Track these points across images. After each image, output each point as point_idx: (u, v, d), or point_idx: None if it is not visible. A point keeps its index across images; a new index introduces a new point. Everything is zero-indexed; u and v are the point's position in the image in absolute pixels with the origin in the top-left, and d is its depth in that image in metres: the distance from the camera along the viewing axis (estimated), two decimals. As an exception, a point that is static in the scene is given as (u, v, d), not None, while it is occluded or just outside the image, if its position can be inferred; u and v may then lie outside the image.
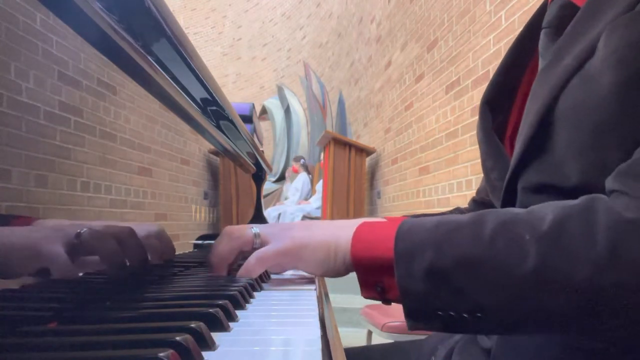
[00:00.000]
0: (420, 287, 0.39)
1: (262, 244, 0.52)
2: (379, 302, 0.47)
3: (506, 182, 0.50)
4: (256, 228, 0.53)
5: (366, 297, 0.46)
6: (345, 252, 0.46)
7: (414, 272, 0.40)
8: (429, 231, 0.41)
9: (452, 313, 0.39)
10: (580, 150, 0.42)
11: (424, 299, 0.40)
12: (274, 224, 0.56)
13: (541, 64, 0.53)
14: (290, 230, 0.51)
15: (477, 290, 0.38)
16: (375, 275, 0.44)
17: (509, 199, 0.51)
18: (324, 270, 0.49)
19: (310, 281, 0.57)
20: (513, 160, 0.49)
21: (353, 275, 0.48)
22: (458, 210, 0.75)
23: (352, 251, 0.46)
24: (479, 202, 0.74)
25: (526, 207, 0.48)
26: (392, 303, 0.46)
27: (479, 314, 0.38)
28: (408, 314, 0.41)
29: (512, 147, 0.59)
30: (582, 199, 0.38)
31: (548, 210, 0.38)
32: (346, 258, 0.47)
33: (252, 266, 0.50)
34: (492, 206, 0.61)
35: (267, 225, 0.55)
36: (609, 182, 0.38)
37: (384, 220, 0.49)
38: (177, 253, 0.72)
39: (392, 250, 0.41)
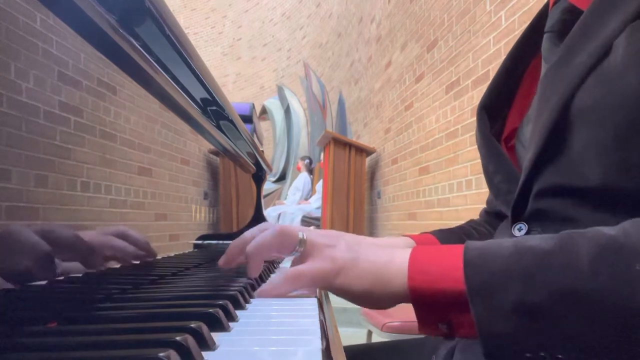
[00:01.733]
0: (505, 326, 0.35)
1: (303, 254, 0.46)
2: None
3: (520, 186, 0.49)
4: (305, 233, 0.47)
5: (426, 334, 0.41)
6: (399, 283, 0.40)
7: (496, 310, 0.35)
8: (508, 260, 0.36)
9: (543, 354, 0.34)
10: (601, 149, 0.40)
11: (511, 339, 0.35)
12: (324, 233, 0.48)
13: (544, 67, 0.53)
14: (333, 249, 0.45)
15: (577, 329, 0.33)
16: (440, 311, 0.39)
17: (521, 203, 0.49)
18: (367, 300, 0.43)
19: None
20: (527, 163, 0.47)
21: None
22: (473, 223, 0.74)
23: (410, 283, 0.40)
24: (492, 213, 0.74)
25: (541, 211, 0.47)
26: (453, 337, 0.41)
27: (576, 355, 0.34)
28: (490, 356, 0.36)
29: (508, 149, 0.59)
30: None
31: None
32: (399, 289, 0.41)
33: (281, 286, 0.44)
34: (504, 216, 0.60)
35: (317, 231, 0.48)
36: None
37: (435, 244, 0.44)
38: (177, 253, 0.72)
39: (462, 283, 0.36)
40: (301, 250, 0.46)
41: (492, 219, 0.73)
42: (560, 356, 0.34)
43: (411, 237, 0.65)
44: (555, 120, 0.43)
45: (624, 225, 0.36)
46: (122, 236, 0.53)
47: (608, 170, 0.40)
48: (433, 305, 0.39)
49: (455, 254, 0.39)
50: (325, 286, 0.44)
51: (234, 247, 0.51)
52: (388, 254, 0.43)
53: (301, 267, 0.44)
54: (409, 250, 0.42)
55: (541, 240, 0.37)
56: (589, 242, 0.35)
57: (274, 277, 0.45)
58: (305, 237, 0.46)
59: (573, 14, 0.48)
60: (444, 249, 0.41)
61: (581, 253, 0.35)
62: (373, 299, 0.42)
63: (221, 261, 0.53)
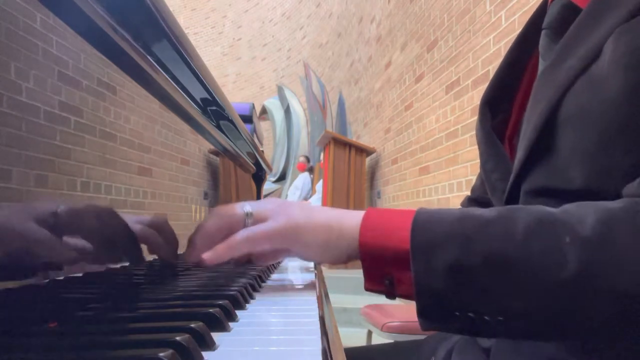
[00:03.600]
0: (439, 284, 0.37)
1: (255, 224, 0.46)
2: (379, 296, 0.44)
3: (509, 185, 0.49)
4: (248, 206, 0.47)
5: (370, 290, 0.43)
6: (351, 237, 0.43)
7: (433, 268, 0.37)
8: (452, 224, 0.38)
9: (471, 314, 0.36)
10: (585, 153, 0.41)
11: (443, 297, 0.37)
12: (269, 200, 0.49)
13: (541, 64, 0.53)
14: (287, 208, 0.46)
15: (505, 292, 0.35)
16: (385, 266, 0.41)
17: (512, 202, 0.50)
18: (322, 255, 0.45)
19: (310, 282, 0.57)
20: (516, 164, 0.48)
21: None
22: None
23: (361, 238, 0.42)
24: (475, 201, 0.74)
25: None
26: (397, 298, 0.43)
27: (502, 317, 0.36)
28: (422, 312, 0.38)
29: (511, 147, 0.59)
30: (623, 202, 0.36)
31: (589, 211, 0.36)
32: (351, 244, 0.43)
33: (236, 243, 0.45)
34: (489, 205, 0.61)
35: (261, 201, 0.49)
36: (636, 187, 0.37)
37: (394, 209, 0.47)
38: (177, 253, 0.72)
39: (408, 242, 0.38)
40: (251, 222, 0.47)
41: (475, 206, 0.73)
42: (486, 317, 0.36)
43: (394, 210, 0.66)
44: (543, 124, 0.44)
45: (567, 205, 0.38)
46: (158, 227, 0.53)
47: (591, 173, 0.41)
48: (379, 261, 0.41)
49: (406, 215, 0.41)
50: (283, 243, 0.45)
51: (190, 241, 0.49)
52: (341, 212, 0.45)
53: (256, 226, 0.45)
54: (363, 211, 0.44)
55: (488, 210, 0.39)
56: (528, 215, 0.37)
57: (230, 238, 0.45)
58: (250, 210, 0.47)
59: (571, 11, 0.48)
60: (398, 211, 0.43)
61: (518, 223, 0.36)
62: (328, 253, 0.45)
63: (195, 258, 0.50)
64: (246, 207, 0.47)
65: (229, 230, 0.47)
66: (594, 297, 0.34)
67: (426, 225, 0.39)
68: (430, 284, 0.37)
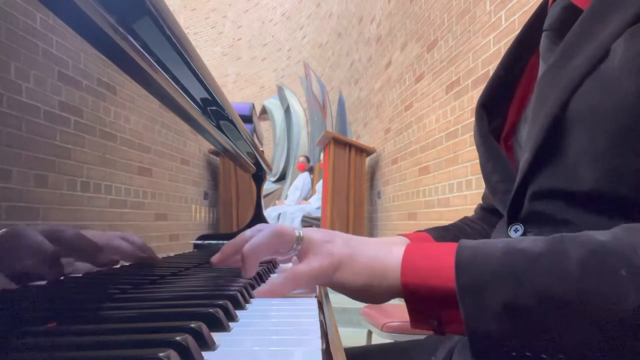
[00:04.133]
0: (492, 325, 0.35)
1: (301, 252, 0.47)
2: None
3: (516, 187, 0.49)
4: (302, 231, 0.47)
5: (416, 329, 0.42)
6: (393, 278, 0.41)
7: (485, 309, 0.35)
8: (499, 261, 0.37)
9: (528, 354, 0.35)
10: (596, 154, 0.41)
11: (498, 339, 0.35)
12: (318, 230, 0.49)
13: (542, 66, 0.53)
14: (330, 245, 0.46)
15: (563, 331, 0.34)
16: (431, 307, 0.40)
17: (517, 205, 0.49)
18: (363, 294, 0.44)
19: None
20: (522, 165, 0.47)
21: None
22: (467, 220, 0.74)
23: (403, 278, 0.40)
24: (487, 209, 0.74)
25: (537, 213, 0.47)
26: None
27: (561, 356, 0.34)
28: (476, 354, 0.37)
29: (507, 148, 0.59)
30: None
31: (638, 237, 0.34)
32: (393, 284, 0.41)
33: (280, 287, 0.45)
34: (499, 212, 0.60)
35: (311, 230, 0.49)
36: None
37: (430, 242, 0.45)
38: (177, 253, 0.72)
39: (453, 281, 0.37)
40: (299, 248, 0.47)
41: (487, 215, 0.73)
42: (544, 356, 0.35)
43: (406, 235, 0.66)
44: (551, 124, 0.43)
45: (615, 231, 0.36)
46: (124, 239, 0.53)
47: (602, 174, 0.40)
48: (424, 302, 0.40)
49: (448, 252, 0.40)
50: (324, 282, 0.45)
51: (230, 246, 0.52)
52: (384, 250, 0.44)
53: (300, 267, 0.45)
54: (404, 247, 0.43)
55: (532, 242, 0.38)
56: (579, 247, 0.36)
57: (273, 278, 0.46)
58: (302, 235, 0.47)
59: (572, 12, 0.48)
60: (437, 246, 0.42)
61: (570, 257, 0.35)
62: (369, 293, 0.43)
63: (215, 258, 0.53)
64: (299, 231, 0.48)
65: (275, 250, 0.48)
66: None
67: (471, 263, 0.38)
68: (484, 326, 0.36)
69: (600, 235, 0.36)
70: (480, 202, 0.76)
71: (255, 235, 0.49)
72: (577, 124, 0.42)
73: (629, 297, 0.32)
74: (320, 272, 0.44)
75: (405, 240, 0.64)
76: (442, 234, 0.68)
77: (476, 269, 0.37)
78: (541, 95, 0.47)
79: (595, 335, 0.33)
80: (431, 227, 0.70)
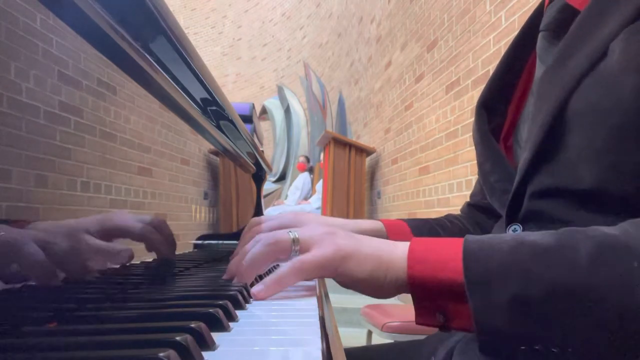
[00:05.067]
0: (501, 319, 0.35)
1: (301, 251, 0.46)
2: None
3: (515, 187, 0.49)
4: (295, 232, 0.46)
5: (421, 324, 0.41)
6: (399, 270, 0.41)
7: (493, 302, 0.35)
8: (508, 254, 0.36)
9: (537, 348, 0.35)
10: (595, 152, 0.41)
11: (507, 332, 0.35)
12: (313, 226, 0.48)
13: (539, 66, 0.53)
14: (333, 236, 0.45)
15: (573, 324, 0.34)
16: (437, 300, 0.39)
17: (516, 204, 0.50)
18: (369, 286, 0.43)
19: (310, 283, 0.57)
20: (522, 164, 0.47)
21: None
22: (450, 216, 0.74)
23: (409, 271, 0.40)
24: (475, 206, 0.74)
25: (536, 212, 0.47)
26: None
27: (571, 349, 0.34)
28: (484, 349, 0.37)
29: (506, 148, 0.59)
30: None
31: None
32: (399, 277, 0.41)
33: (286, 277, 0.43)
34: (489, 210, 0.60)
35: (305, 227, 0.48)
36: None
37: (407, 232, 0.45)
38: (177, 253, 0.72)
39: (461, 273, 0.37)
40: (297, 249, 0.46)
41: (473, 212, 0.73)
42: (554, 350, 0.34)
43: (383, 221, 0.66)
44: (551, 123, 0.44)
45: (624, 225, 0.36)
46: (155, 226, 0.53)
47: (601, 173, 0.40)
48: (430, 295, 0.39)
49: (454, 245, 0.39)
50: (330, 273, 0.44)
51: (234, 264, 0.50)
52: (388, 243, 0.44)
53: (305, 256, 0.44)
54: (409, 242, 0.43)
55: (541, 236, 0.38)
56: (589, 240, 0.35)
57: (280, 272, 0.44)
58: (297, 236, 0.46)
59: (569, 13, 0.48)
60: (444, 240, 0.41)
61: (580, 250, 0.35)
62: (375, 284, 0.43)
63: (225, 277, 0.52)
64: (293, 233, 0.46)
65: (276, 258, 0.47)
66: None
67: (479, 255, 0.37)
68: (492, 319, 0.35)
69: (610, 230, 0.36)
70: (469, 200, 0.76)
71: (251, 250, 0.47)
72: (577, 123, 0.42)
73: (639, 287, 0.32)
74: (326, 262, 0.43)
75: (379, 224, 0.65)
76: (420, 224, 0.68)
77: (484, 261, 0.37)
78: (541, 95, 0.47)
79: (606, 328, 0.33)
80: (410, 218, 0.70)
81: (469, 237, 0.39)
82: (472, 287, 0.36)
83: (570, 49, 0.44)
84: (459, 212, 0.77)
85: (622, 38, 0.39)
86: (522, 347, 0.35)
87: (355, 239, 0.45)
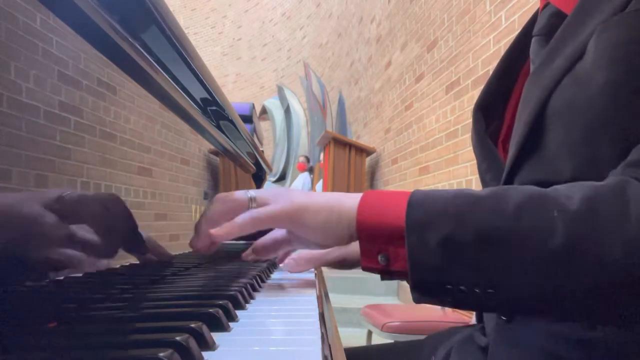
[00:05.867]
0: (432, 258, 0.38)
1: (258, 207, 0.49)
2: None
3: (502, 181, 0.51)
4: (252, 192, 0.50)
5: (365, 268, 0.44)
6: (350, 217, 0.44)
7: (427, 243, 0.38)
8: (446, 201, 0.39)
9: (462, 288, 0.37)
10: (572, 147, 0.43)
11: (435, 271, 0.38)
12: (271, 188, 0.52)
13: (532, 69, 0.54)
14: (289, 192, 0.49)
15: (495, 266, 0.37)
16: (381, 243, 0.42)
17: None
18: (324, 235, 0.46)
19: (310, 282, 0.57)
20: (509, 160, 0.49)
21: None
22: None
23: (358, 216, 0.43)
24: None
25: None
26: (394, 277, 0.43)
27: (492, 290, 0.37)
28: (415, 286, 0.39)
29: (505, 150, 0.60)
30: (610, 180, 0.38)
31: (575, 188, 0.37)
32: (351, 223, 0.44)
33: (242, 221, 0.47)
34: None
35: (263, 189, 0.52)
36: (620, 172, 0.38)
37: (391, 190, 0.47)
38: (177, 253, 0.72)
39: (403, 219, 0.39)
40: (254, 206, 0.49)
41: None
42: (477, 290, 0.37)
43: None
44: (533, 120, 0.46)
45: (558, 186, 0.39)
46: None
47: (579, 166, 0.42)
48: (375, 237, 0.42)
49: (403, 195, 0.42)
50: (284, 224, 0.48)
51: (196, 224, 0.51)
52: (341, 194, 0.47)
53: (261, 208, 0.47)
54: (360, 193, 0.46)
55: (481, 190, 0.41)
56: (519, 192, 0.39)
57: (237, 218, 0.47)
58: (254, 195, 0.49)
59: (559, 18, 0.50)
60: (395, 192, 0.44)
61: (509, 199, 0.38)
62: (328, 232, 0.46)
63: (191, 244, 0.52)
64: (250, 192, 0.49)
65: (234, 215, 0.49)
66: (580, 267, 0.35)
67: (421, 203, 0.40)
68: (423, 258, 0.38)
69: (541, 188, 0.39)
70: None
71: (206, 211, 0.50)
72: (555, 120, 0.44)
73: (558, 235, 0.35)
74: (281, 214, 0.46)
75: None
76: None
77: (425, 207, 0.40)
78: (525, 97, 0.49)
79: (525, 270, 0.36)
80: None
81: (417, 190, 0.42)
82: (410, 230, 0.39)
83: (554, 52, 0.46)
84: None
85: (595, 36, 0.41)
86: (448, 287, 0.38)
87: (309, 194, 0.48)
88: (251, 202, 0.49)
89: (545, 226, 0.36)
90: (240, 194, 0.49)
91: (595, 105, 0.40)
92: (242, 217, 0.47)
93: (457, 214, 0.38)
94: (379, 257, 0.42)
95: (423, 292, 0.40)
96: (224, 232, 0.47)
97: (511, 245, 0.36)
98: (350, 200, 0.45)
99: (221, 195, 0.50)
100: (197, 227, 0.50)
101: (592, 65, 0.41)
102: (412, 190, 0.42)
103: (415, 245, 0.39)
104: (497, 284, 0.37)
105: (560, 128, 0.44)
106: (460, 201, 0.39)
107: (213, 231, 0.47)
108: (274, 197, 0.48)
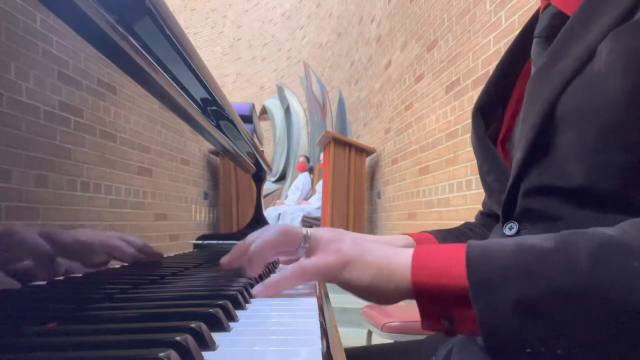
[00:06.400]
0: (506, 321, 0.35)
1: (309, 250, 0.48)
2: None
3: (509, 186, 0.50)
4: (309, 230, 0.49)
5: (427, 329, 0.41)
6: (401, 277, 0.41)
7: (498, 305, 0.35)
8: (510, 257, 0.37)
9: (543, 350, 0.35)
10: (584, 151, 0.42)
11: (512, 334, 0.35)
12: (327, 230, 0.49)
13: (534, 71, 0.54)
14: (339, 243, 0.46)
15: (576, 325, 0.34)
16: (442, 306, 0.39)
17: (511, 202, 0.50)
18: (372, 293, 0.44)
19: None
20: (515, 163, 0.48)
21: None
22: (469, 224, 0.75)
23: (414, 278, 0.40)
24: (487, 214, 0.75)
25: (529, 210, 0.48)
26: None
27: (575, 350, 0.35)
28: (491, 351, 0.37)
29: (504, 151, 0.60)
30: None
31: None
32: (402, 284, 0.41)
33: (287, 280, 0.45)
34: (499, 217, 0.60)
35: (319, 229, 0.50)
36: None
37: (434, 242, 0.45)
38: (176, 253, 0.72)
39: (465, 278, 0.37)
40: (306, 247, 0.48)
41: (487, 220, 0.74)
42: (559, 351, 0.35)
43: (410, 235, 0.67)
44: (541, 123, 0.45)
45: (623, 225, 0.37)
46: (121, 239, 0.53)
47: (590, 170, 0.42)
48: (436, 301, 0.40)
49: (457, 251, 0.40)
50: (331, 279, 0.45)
51: (239, 247, 0.52)
52: (392, 250, 0.44)
53: (307, 260, 0.45)
54: (412, 249, 0.43)
55: (542, 238, 0.38)
56: (588, 241, 0.36)
57: (283, 273, 0.46)
58: (309, 233, 0.48)
59: (560, 19, 0.50)
60: (446, 247, 0.42)
61: (580, 251, 0.35)
62: (376, 292, 0.43)
63: (224, 259, 0.54)
64: (307, 231, 0.49)
65: (282, 248, 0.49)
66: None
67: (481, 259, 0.38)
68: (497, 322, 0.36)
69: (609, 230, 0.36)
70: (481, 208, 0.77)
71: (264, 234, 0.49)
72: (566, 123, 0.43)
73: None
74: (328, 269, 0.44)
75: (410, 240, 0.66)
76: (445, 235, 0.69)
77: (487, 265, 0.37)
78: (531, 97, 0.48)
79: (608, 328, 0.34)
80: (435, 229, 0.71)
81: (471, 242, 0.40)
82: (476, 292, 0.36)
83: (558, 51, 0.46)
84: (474, 220, 0.78)
85: (608, 41, 0.41)
86: (528, 350, 0.35)
87: (360, 246, 0.45)
88: (304, 241, 0.48)
89: (627, 280, 0.33)
90: (297, 229, 0.49)
91: (610, 109, 0.40)
92: (286, 276, 0.45)
93: (525, 271, 0.36)
94: (443, 321, 0.40)
95: (500, 356, 0.38)
96: (266, 291, 0.46)
97: (591, 302, 0.34)
98: (400, 260, 0.42)
99: (287, 228, 0.49)
100: (241, 247, 0.50)
101: (605, 70, 0.40)
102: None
103: (485, 309, 0.36)
104: (580, 343, 0.35)
105: (571, 131, 0.43)
106: (524, 255, 0.37)
107: (259, 293, 0.45)
108: (325, 243, 0.47)
